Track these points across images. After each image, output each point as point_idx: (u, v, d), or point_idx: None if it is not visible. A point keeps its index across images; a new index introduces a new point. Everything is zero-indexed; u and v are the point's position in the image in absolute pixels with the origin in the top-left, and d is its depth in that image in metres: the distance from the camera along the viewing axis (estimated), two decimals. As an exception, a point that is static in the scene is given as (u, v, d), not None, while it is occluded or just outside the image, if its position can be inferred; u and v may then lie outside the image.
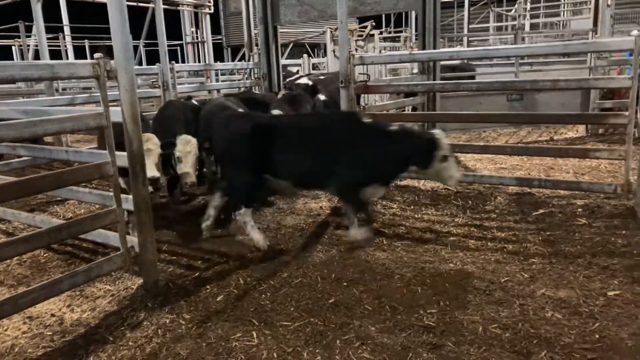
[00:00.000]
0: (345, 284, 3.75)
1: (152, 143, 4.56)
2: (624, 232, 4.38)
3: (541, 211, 5.02)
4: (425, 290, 3.59)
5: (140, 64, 16.15)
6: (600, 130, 8.57)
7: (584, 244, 4.19)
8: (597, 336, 2.91)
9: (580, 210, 5.00)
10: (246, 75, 10.84)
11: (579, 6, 13.19)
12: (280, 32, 9.33)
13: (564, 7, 15.36)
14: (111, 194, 3.60)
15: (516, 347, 2.86)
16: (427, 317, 3.23)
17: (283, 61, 12.23)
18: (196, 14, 14.83)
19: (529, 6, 16.07)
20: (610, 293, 3.36)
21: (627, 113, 4.61)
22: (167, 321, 3.34)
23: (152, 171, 4.29)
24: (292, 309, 3.43)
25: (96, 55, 3.34)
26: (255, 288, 3.76)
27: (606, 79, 6.16)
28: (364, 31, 12.21)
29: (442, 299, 3.44)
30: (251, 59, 10.80)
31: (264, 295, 3.64)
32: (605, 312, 3.16)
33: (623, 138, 5.10)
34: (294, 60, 15.02)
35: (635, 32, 4.49)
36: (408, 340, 3.01)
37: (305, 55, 12.49)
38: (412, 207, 5.47)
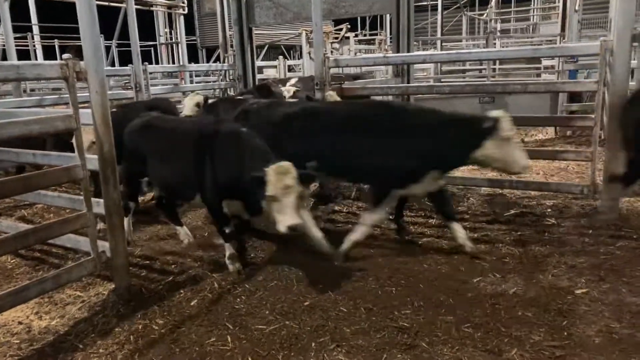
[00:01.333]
0: (320, 286, 3.75)
1: (291, 177, 3.42)
2: (590, 231, 4.51)
3: (512, 212, 5.13)
4: (400, 291, 3.63)
5: (113, 64, 15.85)
6: (569, 133, 8.82)
7: (552, 244, 4.29)
8: (565, 333, 2.99)
9: (549, 210, 5.13)
10: (221, 77, 10.74)
11: (547, 11, 13.57)
12: (256, 34, 9.30)
13: (533, 12, 15.76)
14: (81, 197, 3.52)
15: (488, 346, 2.91)
16: (402, 318, 3.26)
17: (258, 63, 12.17)
18: (170, 15, 14.66)
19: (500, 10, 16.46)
20: (578, 291, 3.46)
21: (593, 116, 4.76)
22: (140, 327, 3.28)
23: (293, 217, 3.38)
24: (267, 312, 3.42)
25: (65, 55, 3.27)
26: (229, 292, 3.73)
27: (573, 83, 6.36)
28: (339, 34, 12.28)
29: (416, 299, 3.48)
30: (226, 61, 10.73)
31: (238, 299, 3.61)
32: (573, 310, 3.24)
33: (590, 140, 5.26)
34: (269, 62, 14.98)
35: (602, 38, 4.65)
36: (383, 341, 3.03)
37: (280, 57, 12.46)
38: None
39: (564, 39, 10.49)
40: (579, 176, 6.37)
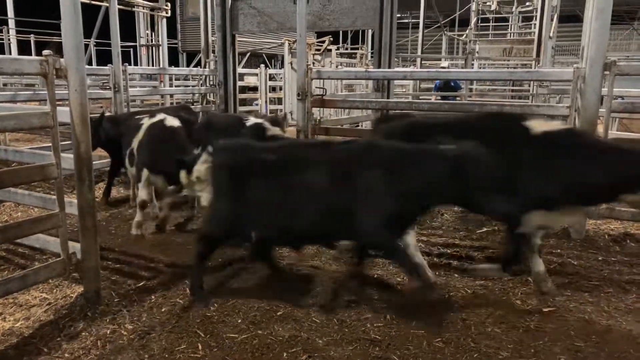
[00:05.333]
0: (294, 296, 3.74)
1: None
2: (558, 251, 4.64)
3: (485, 229, 5.24)
4: (373, 303, 3.65)
5: (90, 63, 15.58)
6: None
7: (523, 262, 4.39)
8: (532, 350, 3.06)
9: (520, 229, 5.25)
10: (201, 82, 10.68)
11: (524, 36, 14.03)
12: (239, 41, 9.30)
13: (510, 36, 16.26)
14: (53, 197, 3.44)
15: (457, 361, 2.96)
16: (374, 331, 3.28)
17: (240, 70, 12.17)
18: (152, 17, 14.53)
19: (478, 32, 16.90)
20: (546, 309, 3.55)
21: (564, 139, 4.90)
22: (108, 332, 3.21)
23: None
24: (239, 320, 3.39)
25: (45, 52, 3.20)
26: (202, 299, 3.69)
27: (546, 107, 6.56)
28: (321, 46, 12.38)
29: (388, 312, 3.51)
30: (207, 66, 10.68)
31: (211, 307, 3.57)
32: (540, 327, 3.32)
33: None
34: (251, 69, 14.98)
35: (575, 65, 4.82)
36: (354, 353, 3.04)
37: (262, 66, 12.49)
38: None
39: (538, 64, 10.84)
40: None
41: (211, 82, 10.08)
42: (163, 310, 3.51)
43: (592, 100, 4.63)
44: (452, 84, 11.25)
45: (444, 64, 13.01)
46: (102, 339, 3.13)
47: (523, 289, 3.88)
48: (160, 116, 5.11)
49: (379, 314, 3.49)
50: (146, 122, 5.07)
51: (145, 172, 4.87)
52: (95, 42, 16.06)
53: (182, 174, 4.25)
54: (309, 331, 3.27)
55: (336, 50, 14.43)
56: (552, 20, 11.17)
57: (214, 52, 10.35)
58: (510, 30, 16.21)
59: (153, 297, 3.69)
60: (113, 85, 7.34)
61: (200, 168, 4.09)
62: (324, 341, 3.16)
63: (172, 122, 5.02)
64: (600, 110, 4.80)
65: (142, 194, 4.93)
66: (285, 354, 3.01)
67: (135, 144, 5.01)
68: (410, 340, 3.18)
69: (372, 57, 11.92)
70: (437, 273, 4.19)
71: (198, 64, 14.06)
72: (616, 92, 5.37)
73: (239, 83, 9.73)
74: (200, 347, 3.08)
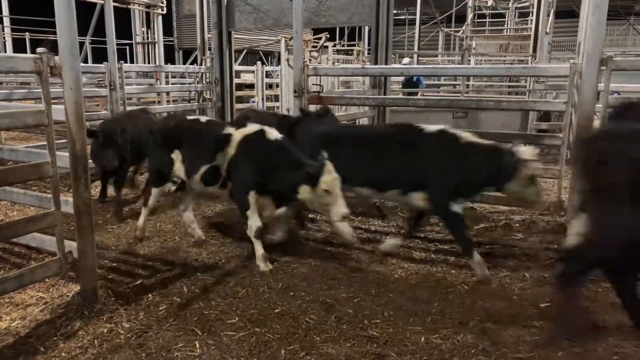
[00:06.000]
0: (291, 293, 3.75)
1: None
2: (555, 246, 4.64)
3: (482, 225, 5.24)
4: (371, 300, 3.65)
5: (86, 61, 15.50)
6: (537, 150, 9.05)
7: (520, 258, 4.40)
8: (529, 346, 3.06)
9: (517, 225, 5.26)
10: (197, 80, 10.64)
11: (520, 32, 14.04)
12: (235, 38, 9.26)
13: (506, 32, 16.26)
14: (49, 195, 3.42)
15: (455, 357, 2.96)
16: (371, 328, 3.28)
17: (236, 67, 12.13)
18: (148, 14, 14.46)
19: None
20: (543, 305, 3.55)
21: (561, 135, 4.92)
22: (105, 331, 3.20)
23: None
24: (237, 318, 3.38)
25: (39, 49, 3.18)
26: (199, 297, 3.68)
27: (543, 102, 6.57)
28: (318, 42, 12.33)
29: (386, 309, 3.51)
30: (203, 63, 10.64)
31: (208, 305, 3.56)
32: (537, 323, 3.32)
33: (557, 158, 5.43)
34: (247, 66, 14.92)
35: (572, 60, 4.83)
36: (352, 350, 3.04)
37: (259, 63, 12.43)
38: (359, 217, 5.55)
39: (535, 59, 10.84)
40: (546, 193, 6.55)
41: (207, 80, 10.04)
42: (160, 308, 3.50)
43: (588, 95, 4.63)
44: (415, 80, 11.44)
45: (405, 60, 13.09)
46: (99, 337, 3.12)
47: (520, 285, 3.88)
48: (254, 127, 4.37)
49: (377, 310, 3.49)
50: (236, 133, 4.32)
51: (252, 195, 4.21)
52: (91, 40, 15.97)
53: (304, 190, 3.98)
54: (307, 328, 3.27)
55: (333, 46, 14.39)
56: (548, 16, 11.17)
57: (210, 49, 10.29)
58: (507, 26, 16.23)
59: (150, 295, 3.69)
60: (109, 83, 7.30)
61: (328, 179, 3.86)
62: (322, 338, 3.16)
63: (273, 132, 4.33)
64: (597, 105, 4.79)
65: (255, 221, 4.22)
66: (282, 351, 3.01)
67: (221, 159, 4.29)
68: (407, 336, 3.18)
69: (369, 53, 11.88)
70: (435, 269, 4.20)
71: (194, 62, 13.99)
72: (612, 87, 5.36)
73: (236, 80, 9.71)
74: (197, 345, 3.07)
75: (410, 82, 11.63)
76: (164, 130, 4.67)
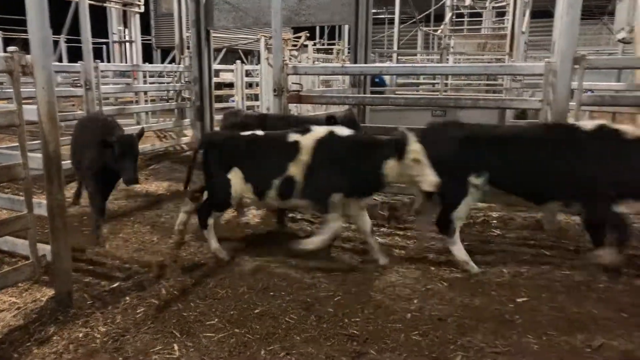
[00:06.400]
0: (271, 293, 3.73)
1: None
2: (532, 242, 4.72)
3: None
4: (351, 298, 3.66)
5: (61, 60, 15.19)
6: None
7: (497, 254, 4.46)
8: (506, 340, 3.10)
9: (495, 222, 5.33)
10: (176, 79, 10.53)
11: (497, 31, 14.25)
12: (214, 37, 9.19)
13: (484, 31, 16.48)
14: (21, 198, 3.34)
15: (434, 353, 2.99)
16: (352, 326, 3.29)
17: (215, 66, 12.02)
18: (125, 12, 14.23)
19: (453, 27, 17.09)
20: (519, 300, 3.61)
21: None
22: (80, 335, 3.14)
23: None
24: (216, 319, 3.35)
25: (10, 48, 3.10)
26: (178, 299, 3.64)
27: (519, 100, 6.67)
28: (298, 41, 12.30)
29: (366, 307, 3.52)
30: (182, 62, 10.53)
31: (187, 306, 3.53)
32: (514, 317, 3.37)
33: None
34: (227, 65, 14.80)
35: (546, 59, 4.91)
36: (332, 349, 3.04)
37: (238, 62, 12.35)
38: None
39: (511, 58, 11.01)
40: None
41: (186, 79, 9.95)
42: (138, 311, 3.45)
43: (562, 93, 4.71)
44: (377, 80, 11.49)
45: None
46: (74, 342, 3.06)
47: (497, 280, 3.94)
48: (321, 129, 4.26)
49: (357, 308, 3.49)
50: (304, 139, 4.17)
51: (335, 198, 4.07)
52: (67, 38, 15.65)
53: (390, 165, 3.88)
54: (287, 328, 3.26)
55: (313, 45, 14.38)
56: (524, 15, 11.35)
57: (188, 48, 10.19)
58: (485, 25, 16.45)
59: (128, 298, 3.63)
60: (84, 82, 7.17)
61: (415, 147, 3.76)
62: (302, 338, 3.15)
63: (343, 130, 4.26)
64: (571, 103, 4.88)
65: (337, 225, 4.15)
66: (262, 352, 3.00)
67: (293, 169, 4.13)
68: (387, 334, 3.20)
69: (349, 52, 11.91)
70: (414, 266, 4.23)
71: (173, 61, 13.82)
72: (586, 85, 5.48)
73: (215, 79, 9.63)
74: (176, 347, 3.04)
75: (373, 82, 11.50)
76: (219, 148, 4.37)
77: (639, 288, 3.78)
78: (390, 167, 3.90)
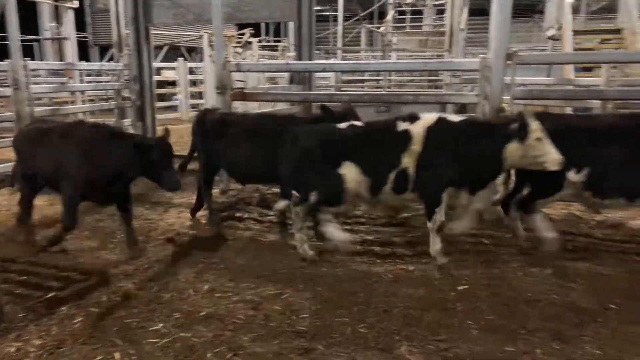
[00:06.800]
0: (218, 295, 3.68)
1: None
2: (473, 231, 4.90)
3: (405, 215, 5.42)
4: (299, 295, 3.66)
5: (-13, 58, 14.24)
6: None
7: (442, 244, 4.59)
8: (449, 328, 3.21)
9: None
10: (115, 77, 10.12)
11: (438, 28, 14.67)
12: (155, 34, 8.93)
13: (425, 28, 16.90)
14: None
15: (380, 345, 3.04)
16: (299, 322, 3.29)
17: (157, 64, 11.69)
18: (57, 8, 13.53)
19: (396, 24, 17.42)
20: (460, 287, 3.74)
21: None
22: (12, 350, 2.96)
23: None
24: (160, 325, 3.26)
25: None
26: (120, 306, 3.51)
27: (458, 95, 6.91)
28: (241, 38, 12.17)
29: (313, 303, 3.54)
30: (121, 60, 10.14)
31: (129, 313, 3.41)
32: (455, 305, 3.49)
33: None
34: (169, 63, 14.41)
35: (481, 55, 5.10)
36: (280, 347, 3.04)
37: (180, 59, 12.07)
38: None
39: (450, 54, 11.38)
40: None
41: (126, 77, 9.59)
42: (76, 321, 3.30)
43: (496, 88, 4.92)
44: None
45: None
46: (6, 358, 2.89)
47: (441, 270, 4.06)
48: (430, 116, 4.09)
49: (305, 305, 3.50)
50: (414, 128, 4.01)
51: (448, 191, 4.02)
52: (-7, 35, 14.69)
53: (511, 149, 3.71)
54: (234, 329, 3.22)
55: (258, 42, 14.26)
56: (462, 13, 11.74)
57: (128, 45, 9.82)
58: (426, 22, 16.87)
59: (64, 308, 3.46)
60: (12, 82, 6.75)
61: (536, 126, 3.63)
62: (249, 337, 3.12)
63: (454, 117, 4.16)
64: (505, 97, 5.10)
65: (442, 216, 4.06)
66: (209, 354, 2.95)
67: (406, 160, 3.98)
68: (335, 328, 3.22)
69: (295, 50, 11.91)
70: (360, 260, 4.29)
71: (112, 59, 13.30)
72: (518, 80, 5.74)
73: (156, 78, 9.37)
74: (117, 356, 2.93)
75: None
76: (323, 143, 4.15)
77: (569, 271, 4.00)
78: (512, 150, 3.77)
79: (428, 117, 4.06)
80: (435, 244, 4.14)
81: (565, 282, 3.80)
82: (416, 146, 3.96)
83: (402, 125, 4.06)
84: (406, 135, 3.99)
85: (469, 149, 3.91)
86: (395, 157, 3.99)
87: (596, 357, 2.89)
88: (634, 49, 8.43)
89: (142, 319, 3.33)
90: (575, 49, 9.09)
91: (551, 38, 11.37)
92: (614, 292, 3.64)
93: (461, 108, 9.73)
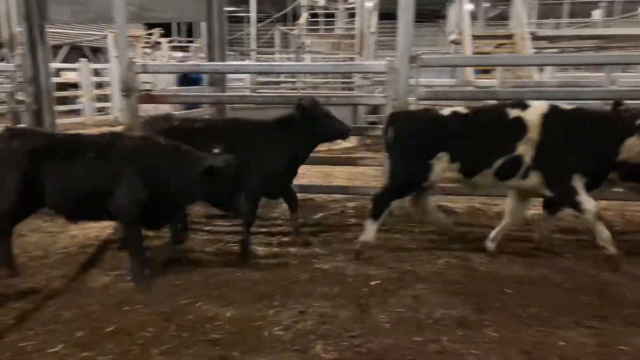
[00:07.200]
0: (127, 308, 3.48)
1: None
2: (385, 227, 5.08)
3: (320, 215, 5.51)
4: (212, 303, 3.57)
5: None
6: (368, 141, 9.82)
7: (352, 241, 4.70)
8: (361, 323, 3.29)
9: (351, 211, 5.64)
10: (8, 80, 9.26)
11: (349, 31, 15.08)
12: (54, 32, 8.29)
13: (337, 31, 17.32)
14: None
15: (296, 346, 3.05)
16: (214, 331, 3.21)
17: (56, 65, 10.88)
18: None
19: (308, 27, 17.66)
20: (372, 283, 3.86)
21: (382, 126, 5.37)
22: None
23: None
24: (60, 345, 3.02)
25: None
26: (13, 328, 3.21)
27: (367, 97, 7.14)
28: (150, 38, 11.68)
29: (229, 310, 3.47)
30: (13, 61, 9.31)
31: (24, 335, 3.13)
32: (368, 300, 3.59)
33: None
34: (71, 64, 13.45)
35: (388, 58, 5.31)
36: (195, 357, 2.95)
37: (83, 60, 11.32)
38: (203, 219, 5.41)
39: (361, 57, 11.73)
40: (376, 179, 7.12)
41: (19, 79, 8.81)
42: (-43, 350, 2.97)
43: (402, 89, 5.15)
44: (194, 77, 11.25)
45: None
46: None
47: (354, 267, 4.16)
48: (542, 103, 3.98)
49: (219, 312, 3.43)
50: (528, 115, 3.91)
51: (578, 179, 3.81)
52: None
53: (631, 144, 3.54)
54: (144, 343, 3.07)
55: (168, 43, 13.76)
56: (372, 17, 12.16)
57: (21, 44, 9.03)
58: (338, 25, 17.27)
59: (-54, 336, 3.10)
60: None
61: None
62: (160, 350, 2.99)
63: (565, 105, 4.00)
64: (410, 98, 5.34)
65: (590, 202, 3.78)
66: (114, 373, 2.79)
67: (522, 147, 3.88)
68: (250, 333, 3.19)
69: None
70: (277, 261, 4.28)
71: (3, 59, 12.16)
72: (423, 82, 6.04)
73: (57, 79, 8.72)
74: (10, 385, 2.68)
75: (190, 80, 10.47)
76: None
77: (470, 265, 4.28)
78: (630, 145, 3.66)
79: (540, 104, 4.03)
80: (601, 232, 3.88)
81: (467, 272, 4.06)
82: (532, 134, 3.93)
83: (512, 112, 4.03)
84: (521, 123, 3.95)
85: (586, 141, 3.85)
86: (506, 144, 4.00)
87: (494, 339, 3.10)
88: (524, 53, 9.23)
89: (39, 341, 3.07)
90: (475, 53, 9.77)
91: (453, 42, 12.10)
92: (510, 277, 3.94)
93: (374, 109, 10.09)
